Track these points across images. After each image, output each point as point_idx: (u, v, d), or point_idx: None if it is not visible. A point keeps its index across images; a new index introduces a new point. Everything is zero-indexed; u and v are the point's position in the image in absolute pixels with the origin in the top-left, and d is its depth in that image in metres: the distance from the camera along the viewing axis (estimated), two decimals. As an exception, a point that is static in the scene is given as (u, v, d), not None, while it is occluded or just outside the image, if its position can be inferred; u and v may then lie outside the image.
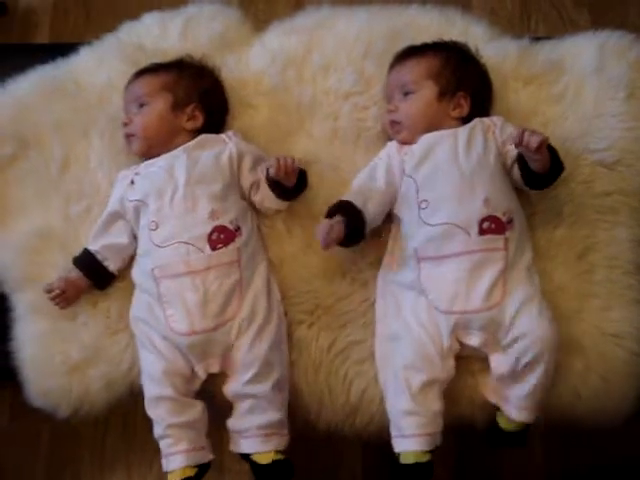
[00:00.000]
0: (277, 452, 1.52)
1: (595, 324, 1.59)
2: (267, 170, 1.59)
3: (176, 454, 1.49)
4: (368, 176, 1.63)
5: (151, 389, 1.52)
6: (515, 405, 1.51)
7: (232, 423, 1.54)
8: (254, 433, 1.52)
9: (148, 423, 1.53)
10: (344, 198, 1.56)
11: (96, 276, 1.62)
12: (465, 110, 1.63)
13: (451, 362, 1.51)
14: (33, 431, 2.18)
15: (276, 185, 1.61)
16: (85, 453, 2.18)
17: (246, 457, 1.54)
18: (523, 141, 1.44)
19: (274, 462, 1.51)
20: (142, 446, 2.13)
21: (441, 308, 1.51)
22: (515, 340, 1.47)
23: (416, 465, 1.45)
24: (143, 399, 1.53)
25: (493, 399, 1.55)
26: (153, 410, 1.52)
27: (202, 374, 1.54)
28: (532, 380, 1.47)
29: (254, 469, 1.53)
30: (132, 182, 1.62)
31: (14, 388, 1.65)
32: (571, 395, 1.55)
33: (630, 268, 1.62)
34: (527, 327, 1.46)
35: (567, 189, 1.65)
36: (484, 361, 1.55)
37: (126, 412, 2.13)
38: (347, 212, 1.53)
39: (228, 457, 1.87)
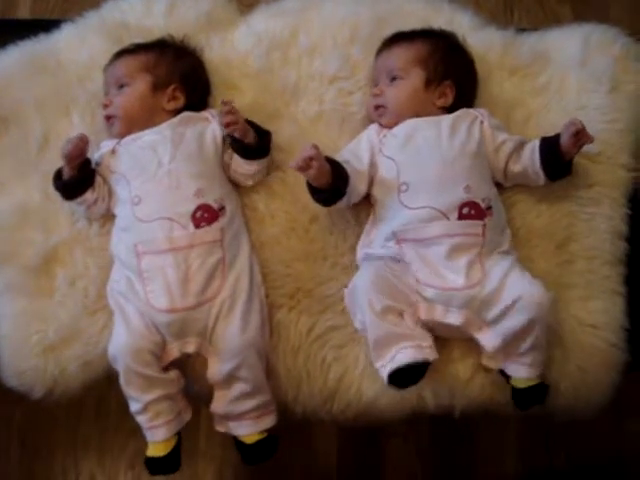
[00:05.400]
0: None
1: (574, 314, 1.60)
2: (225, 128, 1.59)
3: (157, 427, 1.49)
4: (351, 154, 1.61)
5: (121, 364, 1.48)
6: (521, 363, 1.49)
7: (218, 407, 1.53)
8: (244, 417, 1.52)
9: (121, 406, 1.51)
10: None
11: (84, 168, 1.58)
12: (449, 100, 1.64)
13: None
14: (5, 414, 2.16)
15: (238, 145, 1.59)
16: (59, 436, 2.16)
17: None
18: (582, 134, 1.53)
19: (259, 441, 1.53)
20: (115, 429, 2.13)
21: (422, 281, 1.51)
22: (504, 312, 1.46)
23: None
24: (117, 381, 1.50)
25: (493, 365, 1.53)
26: (126, 387, 1.49)
27: (176, 352, 1.52)
28: (531, 339, 1.46)
29: (240, 448, 1.55)
30: (113, 151, 1.61)
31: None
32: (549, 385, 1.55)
33: (609, 259, 1.63)
34: (515, 293, 1.45)
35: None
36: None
37: (100, 395, 2.11)
38: (330, 160, 1.53)
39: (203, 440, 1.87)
